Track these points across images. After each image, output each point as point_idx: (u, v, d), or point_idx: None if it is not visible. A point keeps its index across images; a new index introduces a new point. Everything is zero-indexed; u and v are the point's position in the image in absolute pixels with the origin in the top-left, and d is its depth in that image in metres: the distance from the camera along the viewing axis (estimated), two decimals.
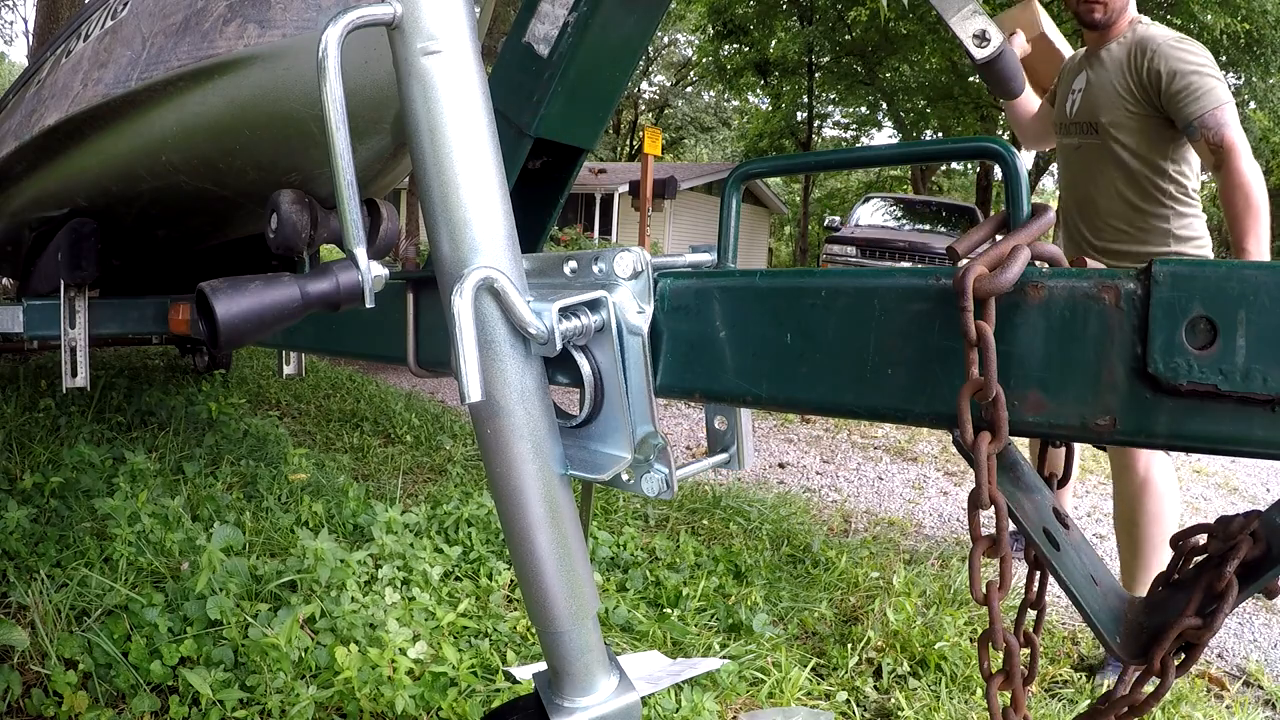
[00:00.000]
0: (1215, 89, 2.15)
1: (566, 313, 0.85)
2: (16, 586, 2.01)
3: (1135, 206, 2.36)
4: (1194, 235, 2.36)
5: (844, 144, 30.06)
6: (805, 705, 1.89)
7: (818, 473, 4.26)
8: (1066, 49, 2.75)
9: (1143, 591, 2.41)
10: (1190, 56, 2.19)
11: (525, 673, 1.85)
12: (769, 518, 3.16)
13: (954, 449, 1.27)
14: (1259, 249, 2.14)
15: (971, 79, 20.50)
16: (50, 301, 2.44)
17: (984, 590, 0.73)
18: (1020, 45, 2.58)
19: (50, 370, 4.42)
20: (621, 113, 34.48)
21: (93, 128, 1.98)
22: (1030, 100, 2.81)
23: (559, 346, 0.83)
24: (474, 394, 0.76)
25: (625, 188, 13.69)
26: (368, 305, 0.86)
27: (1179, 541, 0.79)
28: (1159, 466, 2.30)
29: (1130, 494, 2.32)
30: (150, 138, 1.91)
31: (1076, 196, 2.53)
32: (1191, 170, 2.34)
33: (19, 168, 2.33)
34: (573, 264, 0.92)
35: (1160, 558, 2.28)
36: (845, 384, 0.79)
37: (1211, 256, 2.57)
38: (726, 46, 26.25)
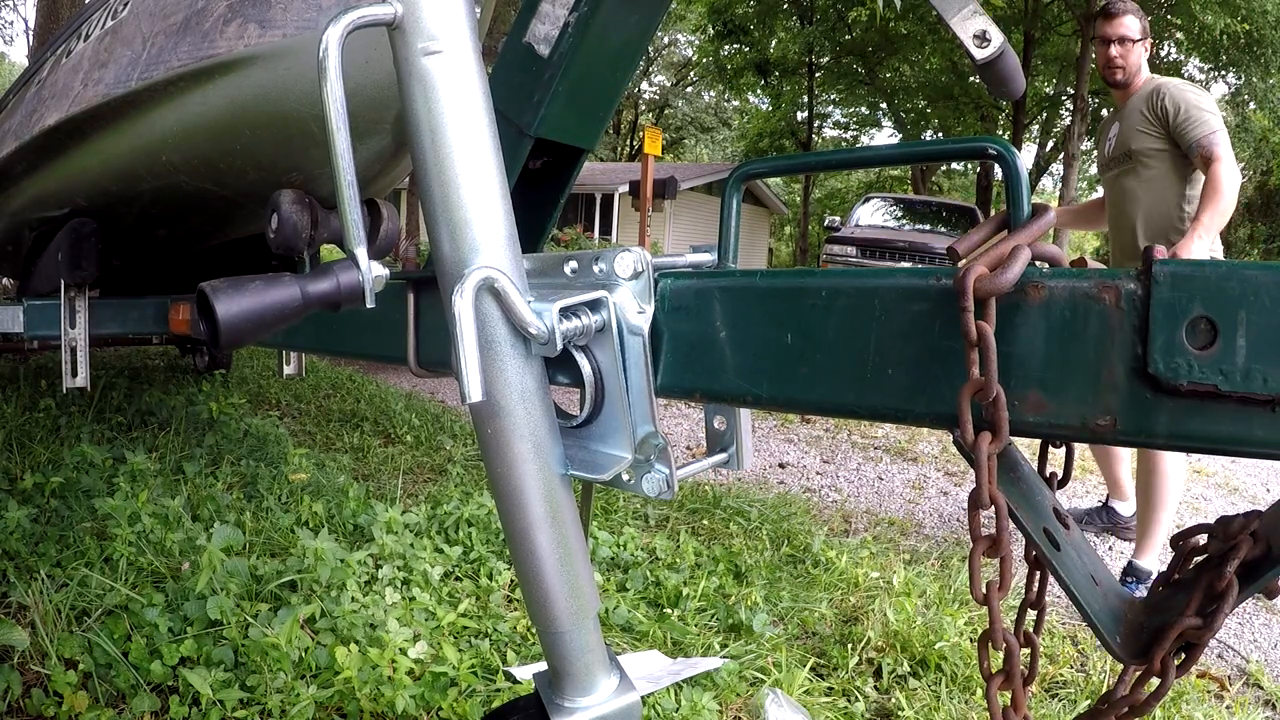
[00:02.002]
0: (1210, 120, 2.80)
1: (567, 313, 0.85)
2: (16, 586, 2.01)
3: (1162, 214, 2.95)
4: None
5: (844, 144, 30.06)
6: (797, 703, 1.88)
7: (818, 473, 4.26)
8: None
9: (1156, 542, 2.85)
10: (1192, 96, 2.85)
11: (525, 673, 1.85)
12: (769, 518, 3.16)
13: (954, 449, 1.27)
14: (1210, 220, 2.70)
15: (971, 79, 20.52)
16: (50, 301, 2.44)
17: (984, 590, 0.73)
18: None
19: (50, 370, 4.43)
20: (621, 113, 34.47)
21: (93, 128, 1.98)
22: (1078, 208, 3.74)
23: (559, 346, 0.83)
24: (474, 394, 0.76)
25: (625, 188, 13.68)
26: (368, 305, 0.85)
27: (1179, 542, 0.79)
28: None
29: (1151, 463, 2.85)
30: (150, 138, 1.91)
31: (1118, 214, 3.12)
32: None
33: (19, 168, 2.33)
34: (573, 264, 0.92)
35: (1169, 512, 2.86)
36: (845, 384, 0.79)
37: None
38: (726, 46, 26.28)
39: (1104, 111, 21.77)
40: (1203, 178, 2.83)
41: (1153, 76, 3.05)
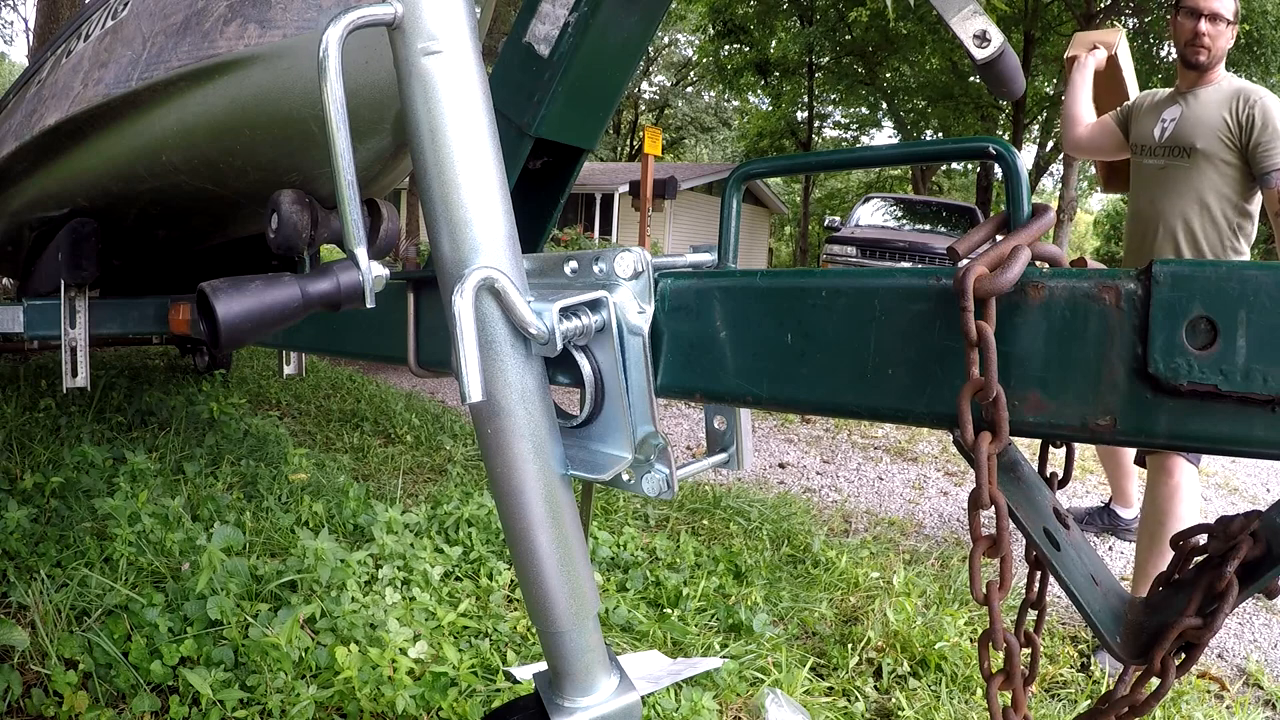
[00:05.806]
0: None
1: (567, 313, 0.85)
2: (16, 586, 2.01)
3: (1204, 227, 2.67)
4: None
5: (844, 144, 30.06)
6: (798, 702, 1.88)
7: (818, 473, 4.26)
8: (1133, 82, 3.12)
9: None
10: None
11: (526, 673, 1.85)
12: (769, 518, 3.16)
13: (954, 449, 1.27)
14: None
15: (971, 79, 20.52)
16: (51, 301, 2.44)
17: (984, 590, 0.73)
18: (1099, 59, 2.99)
19: (51, 370, 4.42)
20: (621, 113, 34.47)
21: (93, 127, 1.98)
22: (1087, 113, 3.09)
23: (560, 346, 0.83)
24: (475, 394, 0.76)
25: (625, 188, 13.68)
26: (368, 305, 0.86)
27: (1179, 542, 0.79)
28: (1189, 474, 2.48)
29: (1164, 495, 2.47)
30: (151, 137, 1.91)
31: (1153, 211, 2.77)
32: (1250, 218, 2.66)
33: (19, 168, 2.34)
34: (573, 264, 0.92)
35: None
36: (845, 384, 0.79)
37: None
38: (726, 46, 26.26)
39: None
40: (1253, 206, 2.63)
41: (1229, 74, 2.75)
